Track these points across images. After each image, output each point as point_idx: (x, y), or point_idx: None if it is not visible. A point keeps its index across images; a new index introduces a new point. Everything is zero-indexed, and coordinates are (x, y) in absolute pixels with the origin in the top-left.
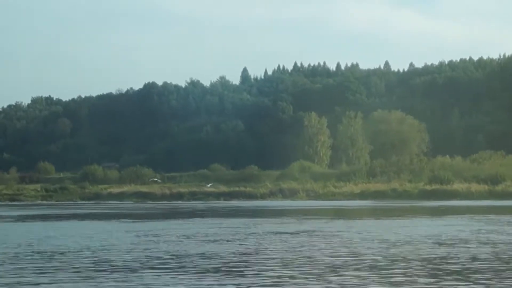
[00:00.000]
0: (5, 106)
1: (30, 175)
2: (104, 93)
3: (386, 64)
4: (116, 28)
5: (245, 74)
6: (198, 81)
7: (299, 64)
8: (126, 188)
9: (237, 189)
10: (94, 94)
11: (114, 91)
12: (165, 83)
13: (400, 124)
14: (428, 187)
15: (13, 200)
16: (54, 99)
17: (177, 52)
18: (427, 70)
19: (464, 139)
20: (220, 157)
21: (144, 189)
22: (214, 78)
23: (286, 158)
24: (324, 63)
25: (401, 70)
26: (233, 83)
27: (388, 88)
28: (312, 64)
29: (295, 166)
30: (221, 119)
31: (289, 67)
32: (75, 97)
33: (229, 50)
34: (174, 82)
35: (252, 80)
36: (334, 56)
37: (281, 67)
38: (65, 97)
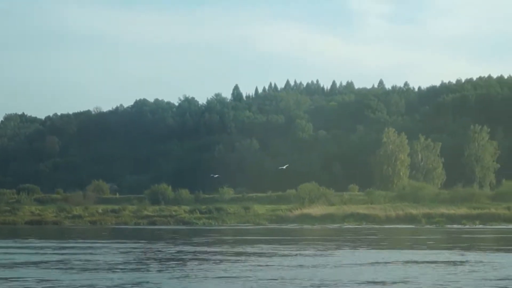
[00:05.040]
0: None
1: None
2: (81, 110)
3: (380, 82)
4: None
5: (236, 92)
6: (193, 98)
7: (292, 83)
8: (324, 210)
9: (486, 211)
10: (70, 112)
11: (92, 109)
12: (156, 100)
13: None
14: None
15: (153, 224)
16: (28, 116)
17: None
18: (448, 88)
19: None
20: (240, 178)
21: (361, 210)
22: (209, 95)
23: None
24: (317, 81)
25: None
26: (228, 100)
27: (409, 106)
28: (304, 83)
29: (406, 187)
30: (233, 137)
31: (280, 85)
32: (51, 114)
33: (218, 68)
34: (165, 99)
35: (245, 98)
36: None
37: (272, 84)
38: (40, 115)
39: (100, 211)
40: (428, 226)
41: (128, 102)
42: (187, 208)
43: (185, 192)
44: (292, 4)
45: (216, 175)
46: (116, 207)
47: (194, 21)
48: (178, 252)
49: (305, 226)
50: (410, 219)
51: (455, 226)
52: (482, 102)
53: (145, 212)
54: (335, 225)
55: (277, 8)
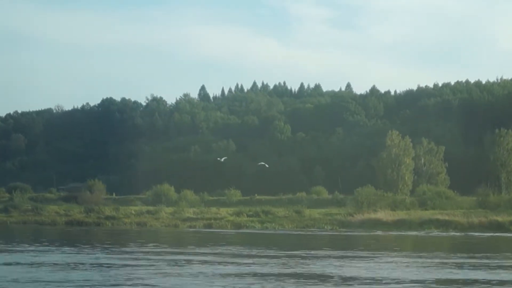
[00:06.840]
0: None
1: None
2: (42, 108)
3: (348, 86)
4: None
5: (203, 92)
6: (161, 98)
7: (259, 84)
8: (394, 216)
9: None
10: (31, 109)
11: (53, 107)
12: (123, 99)
13: None
14: None
15: (209, 227)
16: None
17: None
18: (426, 92)
19: None
20: (219, 180)
21: (440, 216)
22: (175, 95)
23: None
24: (285, 82)
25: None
26: (197, 100)
27: (387, 110)
28: (271, 85)
29: (426, 191)
30: (206, 138)
31: (246, 86)
32: (11, 112)
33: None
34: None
35: (212, 99)
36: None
37: (239, 85)
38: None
39: (133, 212)
40: None
41: (93, 101)
42: (231, 210)
43: (189, 193)
44: (238, 8)
45: (223, 158)
46: (150, 208)
47: (147, 21)
48: None
49: (390, 233)
50: (496, 226)
51: None
52: (465, 106)
53: (187, 214)
54: (417, 232)
55: (223, 12)
